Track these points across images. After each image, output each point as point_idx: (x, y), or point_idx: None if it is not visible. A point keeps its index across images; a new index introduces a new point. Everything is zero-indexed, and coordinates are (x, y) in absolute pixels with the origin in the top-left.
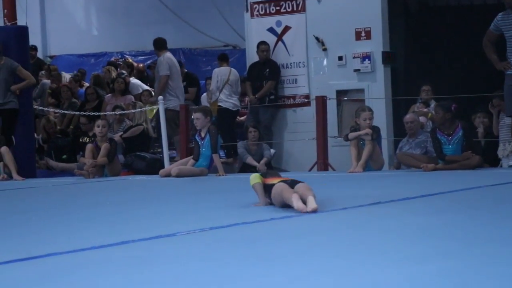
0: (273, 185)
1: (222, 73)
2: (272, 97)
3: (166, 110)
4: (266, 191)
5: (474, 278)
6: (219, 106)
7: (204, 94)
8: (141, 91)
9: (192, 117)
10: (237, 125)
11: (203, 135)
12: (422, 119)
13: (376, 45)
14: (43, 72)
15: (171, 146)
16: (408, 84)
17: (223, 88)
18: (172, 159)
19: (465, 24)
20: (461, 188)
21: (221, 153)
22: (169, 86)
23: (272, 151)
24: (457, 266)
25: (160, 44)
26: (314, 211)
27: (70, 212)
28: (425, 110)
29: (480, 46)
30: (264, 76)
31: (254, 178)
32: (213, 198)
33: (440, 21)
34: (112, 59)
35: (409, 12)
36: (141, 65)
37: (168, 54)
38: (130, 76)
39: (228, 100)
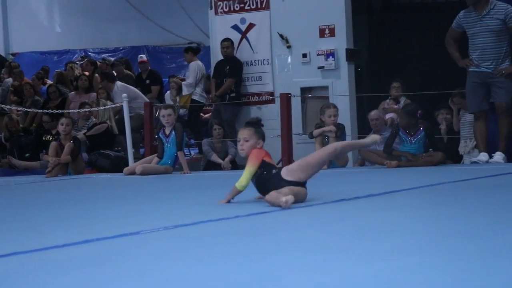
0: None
1: (201, 67)
2: (233, 94)
3: None
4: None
5: (438, 274)
6: (194, 100)
7: (168, 92)
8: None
9: (162, 114)
10: (202, 122)
11: (167, 132)
12: (392, 115)
13: (340, 43)
14: (3, 70)
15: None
16: (372, 81)
17: (199, 82)
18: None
19: (428, 21)
20: (423, 184)
21: (186, 150)
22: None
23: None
24: (421, 262)
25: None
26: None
27: (33, 211)
28: (395, 107)
29: (444, 43)
30: (225, 73)
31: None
32: (177, 196)
33: (403, 18)
34: (75, 56)
35: (373, 9)
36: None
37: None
38: (93, 74)
39: (202, 95)
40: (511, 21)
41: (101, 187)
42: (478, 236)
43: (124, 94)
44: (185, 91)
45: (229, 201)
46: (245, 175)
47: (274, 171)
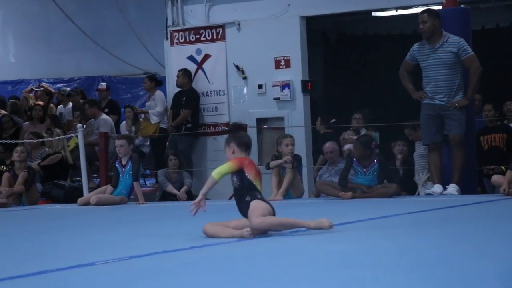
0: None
1: (163, 96)
2: (189, 125)
3: None
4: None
5: None
6: (162, 128)
7: (124, 122)
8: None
9: (116, 144)
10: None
11: (124, 162)
12: (350, 146)
13: (295, 74)
14: None
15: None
16: (326, 112)
17: (165, 111)
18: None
19: (382, 53)
20: (378, 216)
21: (141, 181)
22: None
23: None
24: None
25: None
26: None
27: None
28: (355, 137)
29: (398, 75)
30: (181, 104)
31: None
32: (133, 227)
33: (358, 50)
34: (30, 86)
35: (328, 41)
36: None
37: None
38: (48, 103)
39: (166, 123)
40: (463, 54)
41: (54, 217)
42: (431, 269)
43: (79, 125)
44: (154, 120)
45: (204, 196)
46: (222, 167)
47: (247, 198)
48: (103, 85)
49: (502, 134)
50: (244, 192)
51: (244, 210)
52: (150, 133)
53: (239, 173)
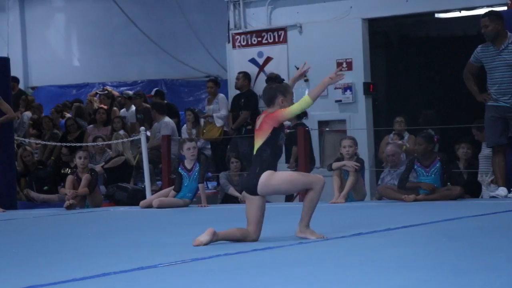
0: None
1: (226, 99)
2: (249, 127)
3: None
4: None
5: None
6: (225, 131)
7: (185, 125)
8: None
9: (187, 147)
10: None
11: (189, 166)
12: (390, 147)
13: (357, 76)
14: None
15: None
16: (389, 115)
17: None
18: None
19: (446, 54)
20: (441, 219)
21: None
22: None
23: None
24: None
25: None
26: None
27: (51, 244)
28: (400, 142)
29: (461, 77)
30: (240, 106)
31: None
32: (195, 229)
33: (421, 52)
34: (94, 90)
35: (390, 43)
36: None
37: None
38: (112, 107)
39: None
40: None
41: (118, 220)
42: (493, 274)
43: (142, 128)
44: (219, 123)
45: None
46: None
47: (265, 155)
48: (153, 91)
49: None
50: (264, 151)
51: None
52: (215, 136)
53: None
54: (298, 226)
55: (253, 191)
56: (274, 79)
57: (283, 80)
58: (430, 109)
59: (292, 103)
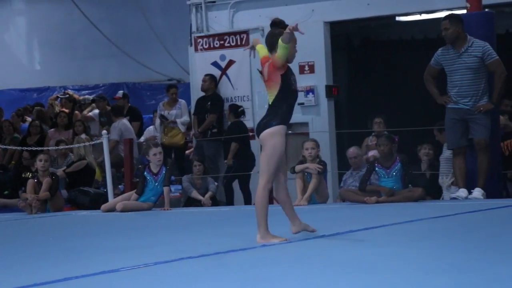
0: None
1: (186, 104)
2: (215, 130)
3: None
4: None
5: None
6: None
7: (151, 127)
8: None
9: (153, 152)
10: (184, 159)
11: (155, 171)
12: (374, 152)
13: (319, 79)
14: None
15: None
16: (351, 117)
17: None
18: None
19: (407, 57)
20: (403, 220)
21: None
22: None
23: (215, 184)
24: None
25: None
26: None
27: (12, 249)
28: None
29: (422, 79)
30: (206, 109)
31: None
32: (157, 233)
33: (382, 55)
34: (55, 93)
35: (352, 46)
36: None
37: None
38: (73, 111)
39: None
40: (488, 58)
41: (79, 224)
42: (457, 274)
43: (104, 131)
44: (183, 129)
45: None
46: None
47: (281, 109)
48: (119, 93)
49: None
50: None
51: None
52: (180, 142)
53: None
54: (291, 226)
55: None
56: (278, 24)
57: (287, 25)
58: (391, 111)
59: (294, 51)
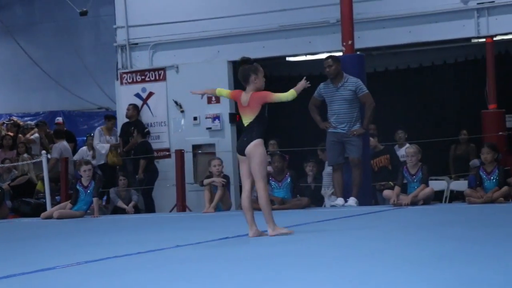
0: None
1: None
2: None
3: None
4: None
5: None
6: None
7: (83, 148)
8: (45, 155)
9: (83, 169)
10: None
11: (86, 184)
12: (269, 168)
13: (224, 108)
14: None
15: None
16: None
17: None
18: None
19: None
20: (293, 224)
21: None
22: None
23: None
24: None
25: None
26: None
27: None
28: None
29: (307, 108)
30: (130, 133)
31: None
32: (87, 236)
33: (274, 88)
34: (1, 120)
35: None
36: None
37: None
38: (17, 134)
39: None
40: (360, 92)
41: (22, 229)
42: (332, 267)
43: (44, 151)
44: (118, 150)
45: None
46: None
47: (256, 128)
48: (59, 119)
49: (386, 155)
50: (254, 126)
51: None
52: (120, 161)
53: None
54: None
55: (243, 152)
56: (246, 61)
57: (253, 62)
58: (284, 134)
59: (262, 80)
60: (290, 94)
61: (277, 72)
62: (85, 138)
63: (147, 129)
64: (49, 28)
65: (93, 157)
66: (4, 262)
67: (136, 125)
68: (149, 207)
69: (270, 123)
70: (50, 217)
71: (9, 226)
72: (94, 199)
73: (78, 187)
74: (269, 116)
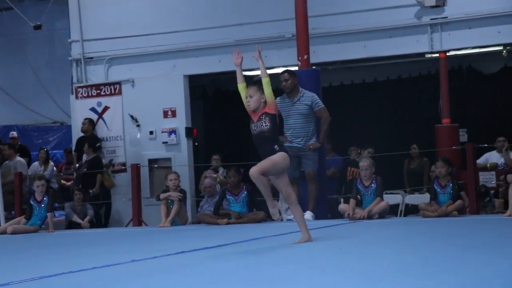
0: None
1: None
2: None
3: None
4: None
5: None
6: None
7: (35, 163)
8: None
9: (36, 184)
10: (65, 188)
11: (39, 199)
12: (207, 181)
13: (180, 122)
14: None
15: None
16: (207, 153)
17: None
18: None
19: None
20: (250, 238)
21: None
22: None
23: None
24: None
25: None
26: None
27: None
28: (214, 175)
29: None
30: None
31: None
32: (42, 252)
33: (231, 103)
34: None
35: (207, 94)
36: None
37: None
38: None
39: None
40: (316, 106)
41: None
42: (288, 280)
43: None
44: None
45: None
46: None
47: (275, 147)
48: (13, 133)
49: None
50: (271, 137)
51: (267, 155)
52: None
53: (273, 117)
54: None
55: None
56: (259, 81)
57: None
58: (241, 147)
59: (263, 92)
60: (267, 84)
61: (233, 87)
62: (38, 152)
63: (98, 144)
64: (2, 42)
65: (45, 170)
66: None
67: (90, 140)
68: (107, 219)
69: (217, 137)
70: (4, 232)
71: None
72: (49, 214)
73: (31, 202)
74: (226, 130)
